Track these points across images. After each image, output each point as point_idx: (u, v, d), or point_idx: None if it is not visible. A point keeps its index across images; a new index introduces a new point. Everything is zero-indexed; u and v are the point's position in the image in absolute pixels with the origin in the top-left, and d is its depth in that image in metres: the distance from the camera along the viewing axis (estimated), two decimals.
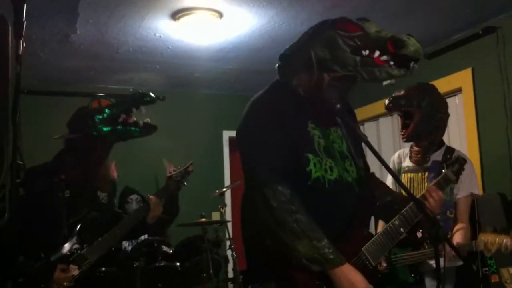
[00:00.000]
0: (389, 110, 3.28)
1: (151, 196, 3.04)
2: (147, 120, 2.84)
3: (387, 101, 3.23)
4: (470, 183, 3.16)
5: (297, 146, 1.96)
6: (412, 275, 3.14)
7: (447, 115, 3.26)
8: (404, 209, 2.14)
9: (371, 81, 2.01)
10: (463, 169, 2.53)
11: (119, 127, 2.76)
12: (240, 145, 2.05)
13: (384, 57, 1.93)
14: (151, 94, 2.80)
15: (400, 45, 1.90)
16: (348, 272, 1.89)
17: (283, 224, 1.87)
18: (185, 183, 3.27)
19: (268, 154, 1.94)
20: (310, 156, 1.96)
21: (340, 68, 1.96)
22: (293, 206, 1.88)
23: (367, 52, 1.94)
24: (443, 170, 2.44)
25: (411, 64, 1.92)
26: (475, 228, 3.52)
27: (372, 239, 2.07)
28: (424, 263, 3.13)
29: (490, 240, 2.84)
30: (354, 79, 1.98)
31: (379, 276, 2.08)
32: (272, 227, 1.90)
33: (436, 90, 3.27)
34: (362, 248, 2.03)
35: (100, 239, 2.80)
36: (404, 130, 3.19)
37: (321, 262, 1.86)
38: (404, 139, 3.22)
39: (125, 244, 4.46)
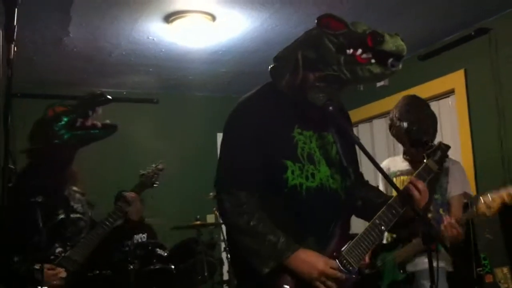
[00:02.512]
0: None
1: (126, 194, 3.11)
2: (106, 121, 2.83)
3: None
4: (463, 183, 3.17)
5: (277, 152, 1.95)
6: (401, 271, 3.16)
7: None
8: (384, 206, 2.06)
9: (355, 81, 1.96)
10: (446, 156, 2.41)
11: (79, 132, 2.74)
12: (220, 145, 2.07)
13: (366, 55, 1.89)
14: (105, 94, 2.78)
15: (379, 41, 1.86)
16: (304, 255, 1.87)
17: (236, 226, 1.90)
18: (157, 182, 3.37)
19: (236, 158, 1.96)
20: (289, 163, 1.95)
21: (324, 67, 1.93)
22: (245, 206, 1.89)
23: (351, 50, 1.90)
24: (424, 161, 2.32)
25: (390, 60, 1.88)
26: (469, 235, 3.54)
27: (352, 241, 2.01)
28: (418, 263, 3.14)
29: (491, 196, 2.86)
30: (339, 80, 1.94)
31: (360, 277, 2.02)
32: (228, 229, 1.95)
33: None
34: (342, 251, 1.98)
35: (82, 240, 2.84)
36: None
37: (274, 256, 1.85)
38: None
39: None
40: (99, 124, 2.78)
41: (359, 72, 1.90)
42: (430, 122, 3.24)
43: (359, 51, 1.90)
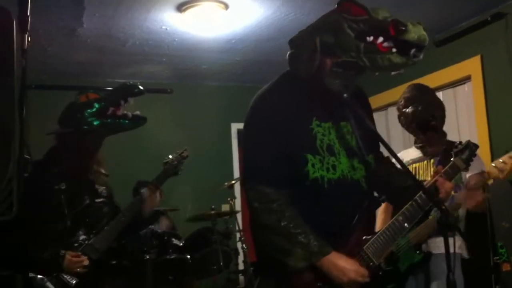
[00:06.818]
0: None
1: (143, 191, 3.05)
2: (137, 112, 2.84)
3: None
4: (479, 163, 3.14)
5: (296, 146, 1.95)
6: (418, 251, 3.14)
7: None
8: (409, 203, 2.05)
9: (373, 69, 1.94)
10: (474, 155, 2.39)
11: (109, 120, 2.77)
12: (242, 141, 2.07)
13: (387, 44, 1.85)
14: (139, 86, 2.80)
15: (402, 30, 1.82)
16: (336, 260, 1.88)
17: (266, 224, 1.90)
18: (182, 168, 3.26)
19: (259, 155, 1.96)
20: (309, 156, 1.94)
21: (342, 53, 1.91)
22: (275, 205, 1.89)
23: (371, 38, 1.87)
24: (452, 159, 2.30)
25: (412, 50, 1.84)
26: (485, 224, 3.52)
27: (374, 236, 2.01)
28: (433, 246, 3.13)
29: (502, 160, 2.80)
30: (357, 66, 1.91)
31: (380, 273, 2.01)
32: (258, 227, 1.95)
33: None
34: (364, 247, 1.98)
35: (106, 228, 2.84)
36: None
37: (306, 257, 1.86)
38: None
39: None
40: (129, 114, 2.81)
41: (379, 60, 1.87)
42: (436, 107, 3.28)
43: (380, 39, 1.86)
